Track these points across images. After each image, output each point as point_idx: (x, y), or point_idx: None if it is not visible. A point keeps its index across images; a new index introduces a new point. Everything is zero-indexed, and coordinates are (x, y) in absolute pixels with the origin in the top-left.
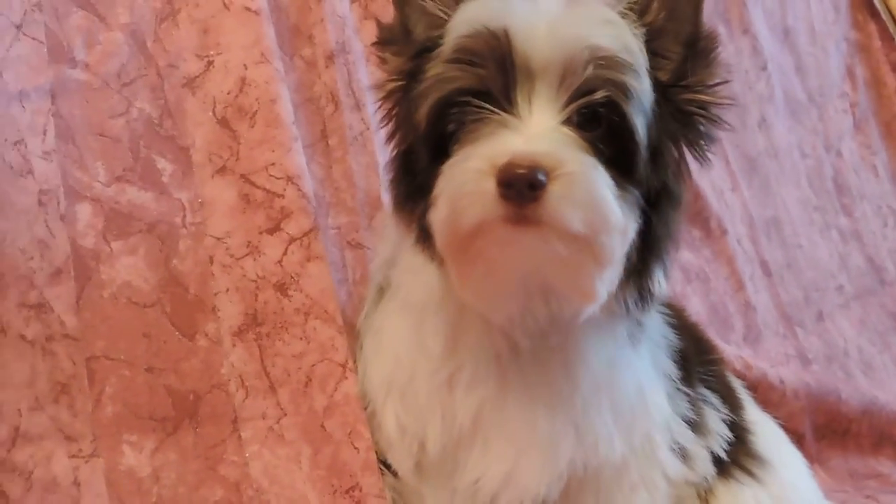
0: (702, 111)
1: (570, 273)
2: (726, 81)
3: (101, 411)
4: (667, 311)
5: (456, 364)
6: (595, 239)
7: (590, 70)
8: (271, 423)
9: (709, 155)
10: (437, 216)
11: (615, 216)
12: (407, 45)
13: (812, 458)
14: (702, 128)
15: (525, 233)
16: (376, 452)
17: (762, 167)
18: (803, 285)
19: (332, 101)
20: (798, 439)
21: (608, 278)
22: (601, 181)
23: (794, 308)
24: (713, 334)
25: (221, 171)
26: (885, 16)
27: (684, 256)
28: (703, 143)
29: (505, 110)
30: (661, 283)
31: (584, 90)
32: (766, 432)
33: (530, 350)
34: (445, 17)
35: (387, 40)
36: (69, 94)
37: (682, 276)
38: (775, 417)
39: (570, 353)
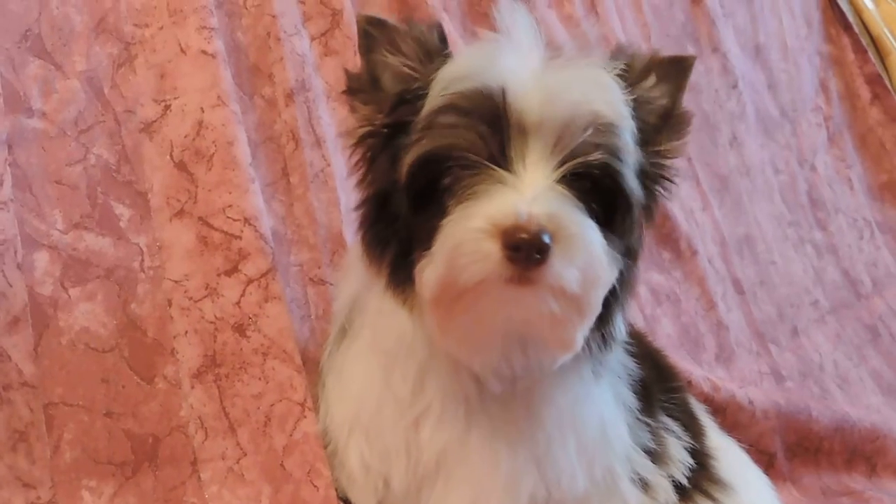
0: (661, 176)
1: (557, 327)
2: (682, 155)
3: (60, 457)
4: (628, 339)
5: (423, 405)
6: (587, 296)
7: (587, 133)
8: (231, 463)
9: (654, 218)
10: (433, 271)
11: (606, 274)
12: (375, 93)
13: (784, 477)
14: (657, 193)
15: (524, 292)
16: (337, 490)
17: (734, 185)
18: (777, 302)
19: (293, 139)
20: (769, 459)
21: (587, 328)
22: (598, 242)
23: (768, 325)
24: (684, 356)
25: (179, 214)
26: (857, 28)
27: (654, 279)
28: (653, 206)
29: (499, 165)
30: (621, 327)
31: (580, 151)
32: (729, 457)
33: (498, 393)
34: (412, 73)
35: (355, 89)
36: (26, 143)
37: (653, 299)
38: (745, 438)
39: (536, 395)
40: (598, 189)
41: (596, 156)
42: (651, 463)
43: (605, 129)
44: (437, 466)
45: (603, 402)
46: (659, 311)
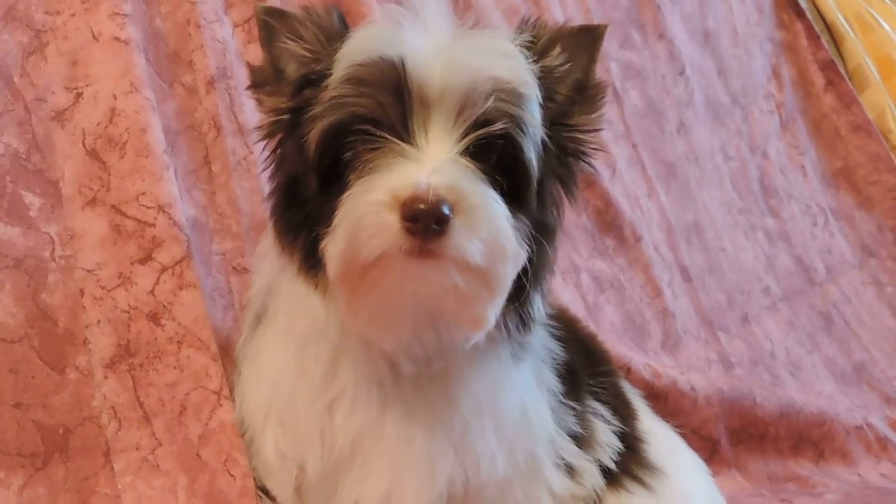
0: (578, 150)
1: (465, 302)
2: (600, 129)
3: None
4: (554, 324)
5: (337, 389)
6: (493, 270)
7: (490, 102)
8: (145, 453)
9: (575, 194)
10: (334, 246)
11: (512, 247)
12: (280, 83)
13: (729, 464)
14: (574, 168)
15: (426, 265)
16: (255, 479)
17: (681, 172)
18: (726, 289)
19: (214, 127)
20: (713, 445)
21: (498, 306)
22: (501, 213)
23: (717, 312)
24: (628, 343)
25: (92, 202)
26: (810, 14)
27: (597, 266)
28: (573, 181)
29: (401, 139)
30: (540, 308)
31: (482, 121)
32: (661, 441)
33: (413, 375)
34: (313, 56)
35: (259, 82)
36: None
37: (595, 286)
38: (688, 424)
39: (452, 377)
40: (503, 161)
41: (498, 125)
42: (576, 447)
43: (508, 96)
44: (352, 451)
45: (524, 386)
46: (602, 299)
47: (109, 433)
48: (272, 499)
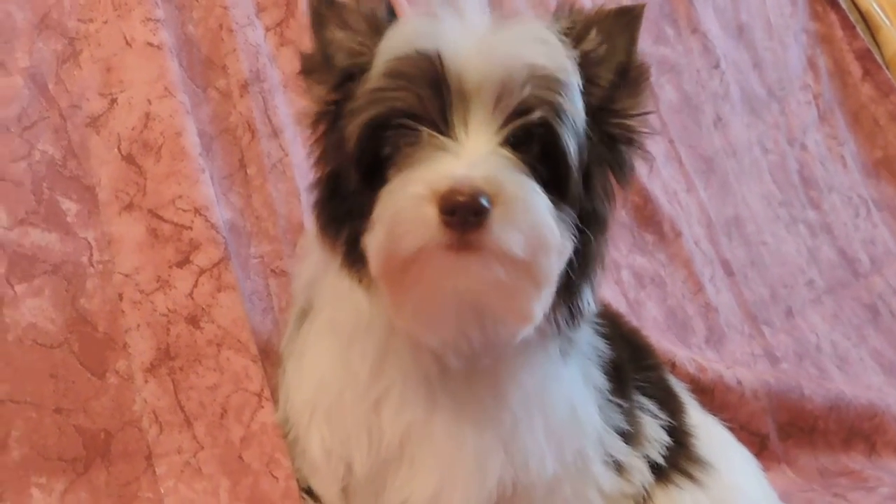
0: (627, 137)
1: (509, 296)
2: (651, 112)
3: (8, 455)
4: (599, 320)
5: (384, 386)
6: (536, 262)
7: (527, 89)
8: (187, 457)
9: (629, 181)
10: (374, 241)
11: (555, 238)
12: (329, 73)
13: (779, 459)
14: (625, 155)
15: (466, 259)
16: (299, 480)
17: (720, 166)
18: (769, 283)
19: (249, 130)
20: (762, 440)
21: (545, 300)
22: (542, 204)
23: (760, 307)
24: (671, 339)
25: (128, 207)
26: (845, 4)
27: (637, 262)
28: (625, 169)
29: (441, 132)
30: (590, 302)
31: (520, 110)
32: (710, 435)
33: (461, 371)
34: (362, 47)
35: (308, 69)
36: None
37: (636, 282)
38: (735, 419)
39: (501, 373)
40: (546, 151)
41: (537, 113)
42: (624, 444)
43: (545, 83)
44: (400, 449)
45: (571, 384)
46: (643, 295)
47: (151, 437)
48: (316, 500)
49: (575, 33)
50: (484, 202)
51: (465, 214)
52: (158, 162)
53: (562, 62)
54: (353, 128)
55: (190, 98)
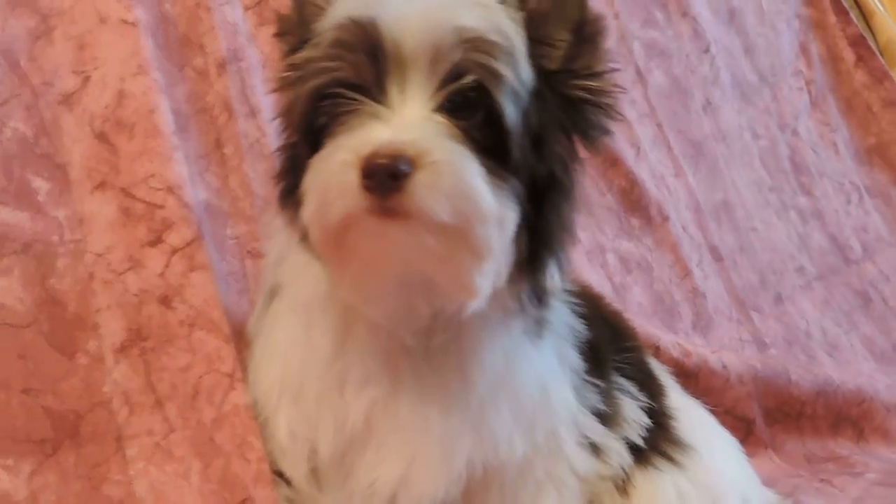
0: (590, 98)
1: (446, 267)
2: (616, 69)
3: None
4: (577, 301)
5: (345, 364)
6: (468, 230)
7: (458, 53)
8: (158, 438)
9: (599, 144)
10: (307, 211)
11: (487, 205)
12: (299, 35)
13: (765, 444)
14: (591, 117)
15: (392, 225)
16: (271, 462)
17: (709, 151)
18: (759, 269)
19: (226, 110)
20: (748, 425)
21: (488, 272)
22: (470, 169)
23: (749, 292)
24: (657, 324)
25: (101, 185)
26: None
27: (623, 246)
28: (593, 132)
29: (378, 101)
30: (556, 278)
31: (454, 75)
32: (691, 418)
33: (422, 348)
34: (323, 10)
35: (283, 31)
36: None
37: (622, 267)
38: (721, 404)
39: (464, 352)
40: (487, 121)
41: (469, 78)
42: (601, 425)
43: (477, 46)
44: (366, 431)
45: (543, 364)
46: (629, 279)
47: (121, 419)
48: (288, 482)
49: None
50: (403, 166)
51: (382, 177)
52: (131, 140)
53: (497, 24)
54: (297, 97)
55: (166, 77)
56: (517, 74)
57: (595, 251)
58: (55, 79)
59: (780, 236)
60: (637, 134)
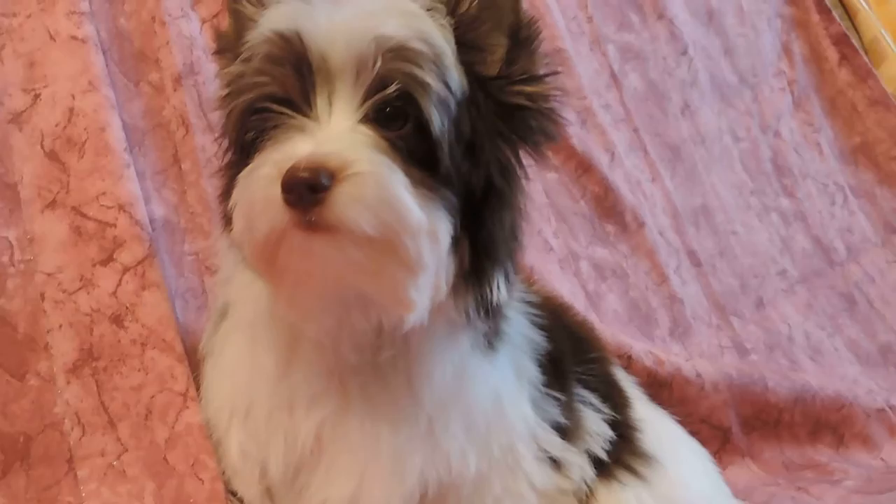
0: (528, 104)
1: (377, 280)
2: (555, 72)
3: None
4: (536, 311)
5: (292, 383)
6: (396, 242)
7: (380, 63)
8: (111, 459)
9: (545, 152)
10: (236, 226)
11: (413, 217)
12: (237, 51)
13: (742, 452)
14: (532, 122)
15: (317, 239)
16: (225, 481)
17: (687, 155)
18: (739, 273)
19: (183, 125)
20: (724, 433)
21: (424, 285)
22: (394, 180)
23: (730, 297)
24: (633, 332)
25: (52, 204)
26: None
27: (597, 253)
28: (535, 138)
29: (305, 114)
30: (503, 290)
31: (379, 85)
32: (657, 429)
33: (369, 365)
34: (255, 21)
35: (221, 48)
36: None
37: (596, 274)
38: (696, 413)
39: (412, 367)
40: (416, 130)
41: (394, 87)
42: (561, 439)
43: (399, 55)
44: (316, 450)
45: (499, 378)
46: (604, 287)
47: (73, 440)
48: (241, 501)
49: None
50: (323, 179)
51: (301, 191)
52: (82, 158)
53: (421, 31)
54: (230, 113)
55: (121, 92)
56: (445, 82)
57: (568, 259)
58: (4, 97)
59: (762, 239)
60: (612, 139)
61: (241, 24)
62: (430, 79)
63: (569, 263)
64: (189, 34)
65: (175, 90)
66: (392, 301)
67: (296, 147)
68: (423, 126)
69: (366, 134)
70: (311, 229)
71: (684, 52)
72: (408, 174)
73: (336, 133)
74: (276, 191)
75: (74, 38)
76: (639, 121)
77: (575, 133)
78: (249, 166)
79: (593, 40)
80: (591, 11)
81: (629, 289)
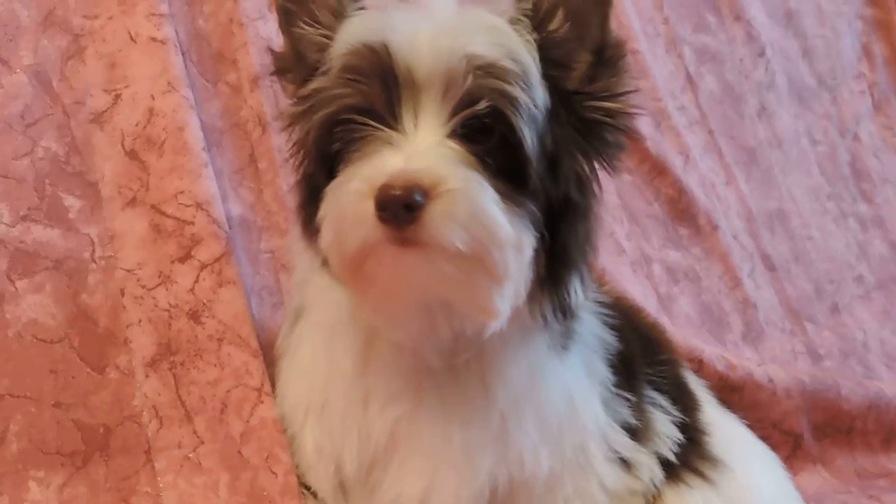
0: (607, 119)
1: (465, 291)
2: (635, 91)
3: (6, 449)
4: (609, 312)
5: (369, 382)
6: (485, 256)
7: (470, 80)
8: (187, 451)
9: (617, 164)
10: (324, 240)
11: (504, 231)
12: (301, 70)
13: (813, 459)
14: (609, 137)
15: (409, 254)
16: (298, 476)
17: (763, 158)
18: (814, 278)
19: (260, 125)
20: (795, 440)
21: (508, 294)
22: (485, 197)
23: (804, 302)
24: (704, 336)
25: (131, 202)
26: None
27: (670, 256)
28: (610, 151)
29: (390, 127)
30: (578, 293)
31: (468, 101)
32: (726, 433)
33: (445, 366)
34: (328, 41)
35: (281, 69)
36: None
37: (668, 277)
38: (767, 418)
39: (487, 368)
40: (502, 143)
41: (483, 104)
42: (632, 440)
43: (489, 72)
44: (389, 447)
45: (571, 377)
46: (676, 290)
47: (150, 432)
48: (315, 496)
49: (539, 15)
50: (417, 196)
51: (396, 209)
52: (161, 157)
53: (510, 49)
54: (310, 127)
55: (200, 93)
56: (532, 98)
57: (640, 261)
58: (86, 97)
59: (838, 245)
60: (686, 142)
61: (300, 44)
62: (520, 95)
63: (641, 266)
64: (266, 35)
65: (252, 91)
66: (478, 310)
67: (385, 162)
68: (508, 141)
69: (454, 149)
70: (404, 244)
71: (761, 54)
72: (496, 189)
73: (425, 147)
74: (369, 207)
75: (154, 39)
76: (714, 123)
77: (649, 135)
78: (337, 180)
79: (669, 42)
80: (667, 12)
81: (702, 292)
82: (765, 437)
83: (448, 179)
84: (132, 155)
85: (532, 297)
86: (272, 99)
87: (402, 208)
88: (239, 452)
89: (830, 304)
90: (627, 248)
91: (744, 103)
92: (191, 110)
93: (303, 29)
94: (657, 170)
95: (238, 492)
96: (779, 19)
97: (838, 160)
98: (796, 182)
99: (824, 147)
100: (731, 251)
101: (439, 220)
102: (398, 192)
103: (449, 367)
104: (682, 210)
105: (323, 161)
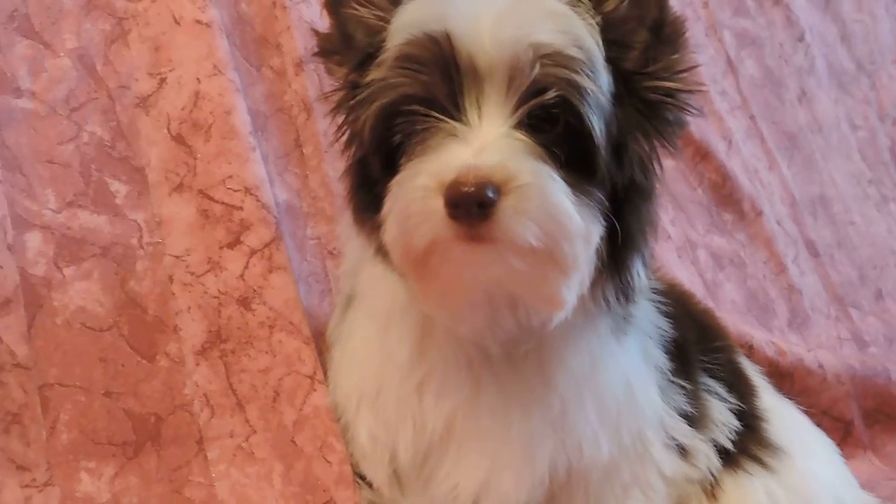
0: (668, 98)
1: (534, 284)
2: (696, 66)
3: (56, 439)
4: (663, 299)
5: (424, 371)
6: (555, 249)
7: (537, 69)
8: (240, 441)
9: (678, 142)
10: (388, 235)
11: (575, 224)
12: (349, 52)
13: (864, 446)
14: (669, 116)
15: (479, 250)
16: (352, 464)
17: (804, 143)
18: (858, 264)
19: (305, 109)
20: (846, 426)
21: (574, 284)
22: (557, 191)
23: (848, 288)
24: (751, 322)
25: (178, 188)
26: None
27: (715, 242)
28: (670, 130)
29: (453, 118)
30: (641, 275)
31: (534, 90)
32: (784, 420)
33: (504, 355)
34: (383, 24)
35: (327, 50)
36: (15, 123)
37: (714, 263)
38: (817, 404)
39: (547, 356)
40: (568, 131)
41: (551, 93)
42: (689, 427)
43: (556, 61)
44: (446, 435)
45: (629, 363)
46: (721, 276)
47: (202, 421)
48: (370, 485)
49: None
50: (490, 193)
51: (469, 206)
52: (208, 141)
53: (575, 36)
54: (366, 116)
55: (244, 77)
56: (598, 84)
57: (686, 247)
58: (131, 81)
59: (881, 230)
60: (729, 126)
61: (346, 25)
62: (588, 83)
63: (686, 252)
64: (309, 19)
65: (297, 75)
66: (545, 302)
67: (454, 156)
68: (574, 129)
69: (521, 140)
70: (475, 241)
71: (801, 39)
72: (565, 180)
73: (492, 140)
74: (438, 203)
75: (199, 21)
76: (755, 108)
77: (692, 119)
78: (402, 174)
79: (709, 26)
80: None
81: (747, 278)
82: (815, 424)
83: (520, 174)
84: (178, 139)
85: (595, 283)
86: (317, 83)
87: (474, 205)
88: (292, 441)
89: (874, 290)
90: (672, 233)
91: (784, 88)
92: (237, 93)
93: (355, 10)
94: (700, 154)
95: (292, 481)
96: (817, 3)
97: (878, 145)
98: (837, 167)
99: (864, 132)
100: (775, 237)
101: (512, 217)
102: (470, 190)
103: (507, 355)
104: (725, 195)
105: (380, 150)
